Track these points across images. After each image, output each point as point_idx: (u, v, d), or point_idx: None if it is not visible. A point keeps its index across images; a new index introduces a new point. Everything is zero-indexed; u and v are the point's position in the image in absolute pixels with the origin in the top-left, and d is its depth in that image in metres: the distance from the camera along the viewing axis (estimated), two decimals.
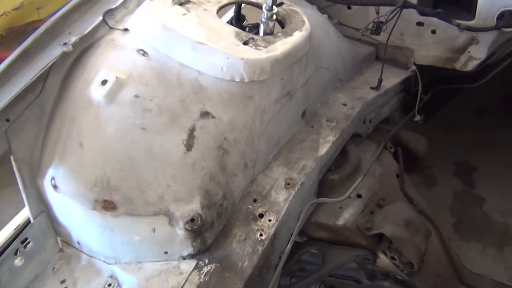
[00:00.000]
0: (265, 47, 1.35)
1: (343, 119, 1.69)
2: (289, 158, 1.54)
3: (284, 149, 1.57)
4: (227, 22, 1.71)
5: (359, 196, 1.63)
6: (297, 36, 1.43)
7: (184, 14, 1.41)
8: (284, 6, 1.56)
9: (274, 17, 1.41)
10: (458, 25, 1.83)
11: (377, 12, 2.00)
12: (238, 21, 1.74)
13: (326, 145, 1.58)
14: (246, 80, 1.33)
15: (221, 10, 1.51)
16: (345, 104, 1.77)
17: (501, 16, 1.78)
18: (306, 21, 1.51)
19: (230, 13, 1.70)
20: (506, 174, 2.76)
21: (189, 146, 1.30)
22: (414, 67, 2.09)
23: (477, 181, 2.79)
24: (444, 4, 2.01)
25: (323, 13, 2.09)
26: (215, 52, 1.30)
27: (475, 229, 2.52)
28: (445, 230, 1.81)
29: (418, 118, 2.10)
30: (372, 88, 1.92)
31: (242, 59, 1.29)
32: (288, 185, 1.46)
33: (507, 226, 2.52)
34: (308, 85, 1.63)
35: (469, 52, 1.95)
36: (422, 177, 2.79)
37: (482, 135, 3.03)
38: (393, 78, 2.03)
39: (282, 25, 1.54)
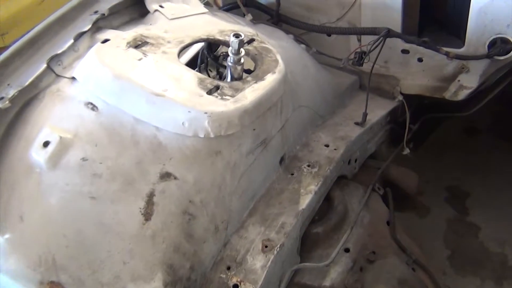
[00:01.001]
0: (233, 96, 1.18)
1: (326, 163, 1.53)
2: (267, 214, 1.37)
3: (261, 203, 1.40)
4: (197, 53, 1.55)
5: (347, 250, 1.46)
6: (270, 80, 1.26)
7: (140, 59, 1.23)
8: (255, 44, 1.39)
9: (242, 60, 1.24)
10: (446, 54, 1.69)
11: (359, 40, 1.85)
12: (210, 51, 1.57)
13: (307, 196, 1.41)
14: (212, 136, 1.16)
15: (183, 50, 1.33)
16: (327, 145, 1.61)
17: (493, 43, 1.65)
18: (280, 61, 1.34)
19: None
20: (499, 199, 2.63)
21: (147, 215, 1.12)
22: (400, 97, 1.94)
23: (470, 208, 2.64)
24: (430, 29, 1.88)
25: (301, 42, 1.93)
26: (174, 105, 1.13)
27: (471, 262, 2.37)
28: (441, 280, 1.65)
29: (407, 151, 1.94)
30: (356, 123, 1.76)
31: (205, 112, 1.12)
32: (266, 247, 1.28)
33: (504, 256, 2.37)
34: (285, 129, 1.46)
35: (459, 81, 1.81)
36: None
37: (473, 157, 2.90)
38: (378, 110, 1.88)
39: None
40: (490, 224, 2.52)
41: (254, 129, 1.26)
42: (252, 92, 1.21)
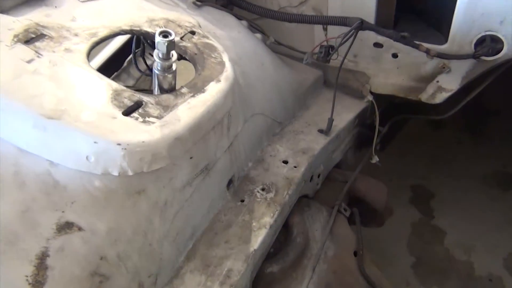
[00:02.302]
0: (160, 116, 0.86)
1: (284, 186, 1.25)
2: (209, 257, 1.08)
3: (202, 242, 1.11)
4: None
5: None
6: (212, 92, 0.95)
7: (30, 61, 0.88)
8: (195, 39, 1.06)
9: (174, 67, 0.92)
10: (427, 51, 1.43)
11: (325, 30, 1.55)
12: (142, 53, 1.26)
13: (261, 231, 1.13)
14: (130, 174, 0.84)
15: (95, 48, 0.99)
16: (286, 162, 1.33)
17: (481, 41, 1.39)
18: (227, 64, 1.03)
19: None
20: (465, 199, 2.48)
21: (37, 285, 0.80)
22: (370, 97, 1.68)
23: (435, 209, 2.47)
24: (407, 19, 1.61)
25: (256, 29, 1.61)
26: (74, 132, 0.80)
27: (436, 271, 2.20)
28: None
29: (375, 160, 1.70)
30: (320, 131, 1.48)
31: (119, 144, 0.80)
32: None
33: (470, 265, 2.22)
34: (234, 146, 1.16)
35: (438, 82, 1.56)
36: None
37: (438, 152, 2.73)
38: (345, 114, 1.61)
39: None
40: (456, 228, 2.36)
41: (191, 158, 0.95)
42: (188, 111, 0.89)
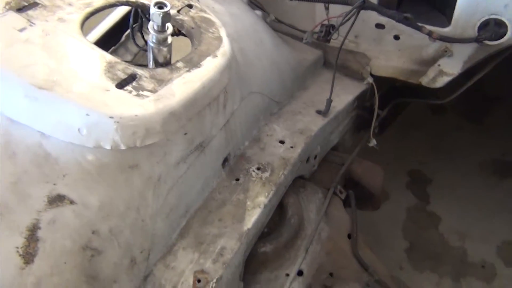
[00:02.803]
0: (154, 90, 0.84)
1: (279, 166, 1.24)
2: (202, 235, 1.08)
3: (196, 220, 1.10)
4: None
5: (300, 273, 1.21)
6: (208, 68, 0.93)
7: (22, 30, 0.86)
8: (192, 12, 1.04)
9: (170, 40, 0.90)
10: (429, 34, 1.40)
11: (327, 9, 1.52)
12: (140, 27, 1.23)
13: (255, 210, 1.13)
14: (123, 148, 0.83)
15: (90, 18, 0.96)
16: (282, 142, 1.31)
17: (485, 25, 1.37)
18: (224, 39, 1.00)
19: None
20: (461, 186, 2.47)
21: (28, 257, 0.80)
22: (370, 79, 1.66)
23: (432, 195, 2.47)
24: (411, 2, 1.58)
25: (256, 6, 1.58)
26: (65, 104, 0.78)
27: (430, 256, 2.21)
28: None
29: (373, 143, 1.69)
30: (318, 112, 1.46)
31: (111, 117, 0.78)
32: (198, 282, 1.00)
33: (464, 251, 2.23)
34: (230, 124, 1.15)
35: (439, 65, 1.54)
36: None
37: (437, 138, 2.72)
38: (344, 95, 1.59)
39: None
40: (451, 214, 2.36)
41: (185, 134, 0.93)
42: (183, 86, 0.88)
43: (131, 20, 1.52)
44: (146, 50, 1.53)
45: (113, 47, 1.93)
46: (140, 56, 1.79)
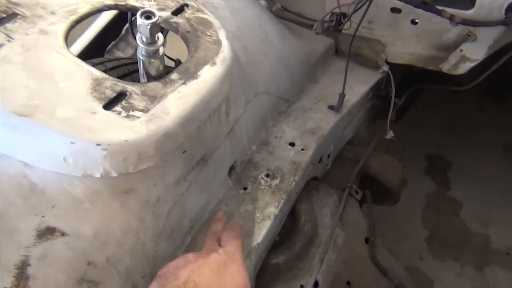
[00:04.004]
0: (146, 109, 0.76)
1: (290, 171, 1.15)
2: None
3: (202, 235, 1.03)
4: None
5: (315, 284, 1.14)
6: (207, 78, 0.84)
7: None
8: (188, 13, 0.94)
9: (161, 51, 0.81)
10: (451, 18, 1.28)
11: None
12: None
13: (265, 223, 1.05)
14: (114, 175, 0.75)
15: (74, 28, 0.87)
16: (293, 144, 1.23)
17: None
18: (224, 43, 0.91)
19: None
20: (484, 170, 2.37)
21: None
22: (386, 67, 1.54)
23: (452, 180, 2.38)
24: None
25: None
26: (47, 131, 0.70)
27: (451, 244, 2.14)
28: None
29: (390, 135, 1.59)
30: (330, 107, 1.37)
31: (99, 144, 0.70)
32: None
33: (487, 238, 2.15)
34: (235, 131, 1.06)
35: (462, 50, 1.41)
36: None
37: (457, 120, 2.60)
38: (358, 86, 1.48)
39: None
40: (473, 199, 2.27)
41: (184, 152, 0.85)
42: (178, 102, 0.79)
43: (129, 14, 1.43)
44: None
45: (113, 42, 1.85)
46: None
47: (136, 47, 1.79)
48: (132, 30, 1.60)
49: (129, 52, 1.89)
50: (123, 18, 1.72)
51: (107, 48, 1.87)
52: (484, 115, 2.61)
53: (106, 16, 1.76)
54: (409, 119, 2.44)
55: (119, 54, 1.86)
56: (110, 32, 1.79)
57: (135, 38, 1.51)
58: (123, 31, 1.85)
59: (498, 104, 2.66)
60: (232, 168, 1.12)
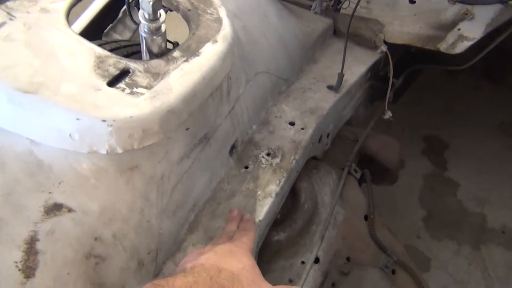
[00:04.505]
0: (150, 86, 0.77)
1: (290, 150, 1.17)
2: (212, 229, 1.03)
3: (205, 212, 1.05)
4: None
5: (316, 260, 1.17)
6: (208, 56, 0.85)
7: (1, 25, 0.78)
8: None
9: (163, 28, 0.81)
10: None
11: None
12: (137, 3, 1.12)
13: (266, 200, 1.07)
14: (119, 151, 0.77)
15: (75, 7, 0.88)
16: (293, 123, 1.24)
17: None
18: (225, 20, 0.91)
19: None
20: (480, 151, 2.39)
21: (28, 270, 0.75)
22: (384, 48, 1.55)
23: (449, 161, 2.40)
24: None
25: None
26: (52, 107, 0.71)
27: (448, 224, 2.17)
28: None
29: (388, 115, 1.60)
30: (329, 87, 1.38)
31: (104, 120, 0.72)
32: None
33: (483, 217, 2.18)
34: (236, 110, 1.07)
35: (459, 29, 1.42)
36: None
37: (454, 101, 2.62)
38: (357, 67, 1.49)
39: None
40: (470, 180, 2.30)
41: (187, 129, 0.86)
42: (181, 79, 0.80)
43: None
44: None
45: (110, 24, 1.84)
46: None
47: (134, 30, 1.79)
48: (130, 12, 1.59)
49: (126, 35, 1.88)
50: (120, 0, 1.71)
51: (104, 31, 1.86)
52: (481, 96, 2.63)
53: (96, 5, 1.74)
54: (407, 100, 2.46)
55: (117, 36, 1.85)
56: (107, 15, 1.78)
57: (133, 20, 1.51)
58: (120, 14, 1.84)
59: (494, 85, 2.67)
60: (233, 147, 1.13)
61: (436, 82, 2.64)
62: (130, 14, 1.53)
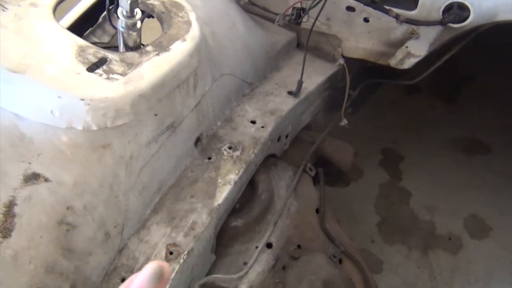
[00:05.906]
0: (124, 73, 0.89)
1: (250, 145, 1.30)
2: (175, 211, 1.13)
3: (169, 197, 1.16)
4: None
5: (269, 245, 1.28)
6: (177, 51, 0.97)
7: None
8: None
9: (139, 25, 0.94)
10: (396, 17, 1.46)
11: None
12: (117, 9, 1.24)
13: (226, 187, 1.19)
14: (94, 128, 0.88)
15: (63, 2, 0.99)
16: (254, 122, 1.37)
17: (449, 9, 1.43)
18: (194, 23, 1.04)
19: None
20: (432, 164, 2.58)
21: (6, 231, 0.85)
22: (342, 61, 1.71)
23: (404, 172, 2.58)
24: None
25: None
26: (38, 87, 0.82)
27: (400, 230, 2.32)
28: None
29: (344, 122, 1.75)
30: (290, 93, 1.52)
31: (82, 99, 0.83)
32: (170, 254, 1.06)
33: (432, 225, 2.35)
34: (202, 105, 1.20)
35: (407, 47, 1.60)
36: None
37: (410, 118, 2.81)
38: (316, 76, 1.64)
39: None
40: (422, 190, 2.47)
41: (156, 115, 0.98)
42: (152, 69, 0.92)
43: (107, 1, 1.53)
44: None
45: (90, 29, 1.94)
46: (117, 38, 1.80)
47: (112, 35, 1.90)
48: (110, 17, 1.70)
49: (105, 40, 1.99)
50: (100, 6, 1.82)
51: (83, 35, 1.96)
52: (436, 114, 2.83)
53: (84, 4, 1.85)
54: (367, 116, 2.64)
55: (95, 40, 1.96)
56: (87, 19, 1.89)
57: (112, 26, 1.62)
58: (100, 19, 1.95)
59: (448, 104, 2.89)
60: (198, 140, 1.25)
61: (396, 100, 2.84)
62: (110, 19, 1.65)
